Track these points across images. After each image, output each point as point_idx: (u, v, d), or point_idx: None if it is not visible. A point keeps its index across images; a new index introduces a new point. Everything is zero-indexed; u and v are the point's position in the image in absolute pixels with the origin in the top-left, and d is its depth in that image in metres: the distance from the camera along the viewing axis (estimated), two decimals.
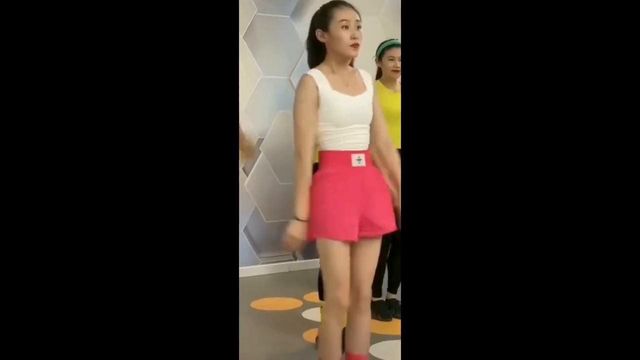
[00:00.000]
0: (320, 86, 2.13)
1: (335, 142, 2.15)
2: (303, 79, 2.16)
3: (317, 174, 2.17)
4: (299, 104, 2.14)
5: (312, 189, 2.14)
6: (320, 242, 2.14)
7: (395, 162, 2.27)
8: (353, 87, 2.19)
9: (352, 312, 2.26)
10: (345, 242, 2.13)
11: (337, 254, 2.12)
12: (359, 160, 2.16)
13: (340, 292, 2.15)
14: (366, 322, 2.27)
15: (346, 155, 2.15)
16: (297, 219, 2.11)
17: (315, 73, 2.16)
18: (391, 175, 2.28)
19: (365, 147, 2.20)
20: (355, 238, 2.13)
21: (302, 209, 2.11)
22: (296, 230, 2.11)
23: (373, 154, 2.27)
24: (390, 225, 2.21)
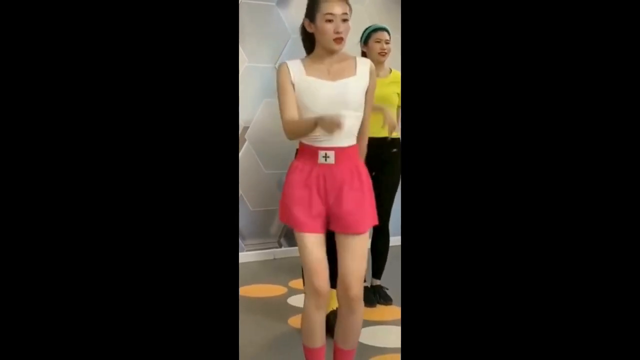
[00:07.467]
0: (292, 72, 2.16)
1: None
2: (278, 68, 2.22)
3: (291, 164, 2.23)
4: (279, 94, 2.19)
5: (285, 179, 2.22)
6: (295, 233, 2.20)
7: (362, 150, 2.29)
8: (336, 73, 2.17)
9: (342, 310, 2.25)
10: (316, 233, 2.17)
11: (308, 244, 2.16)
12: (325, 157, 2.14)
13: (316, 280, 2.17)
14: (357, 321, 2.25)
15: (314, 151, 2.16)
16: (322, 119, 2.01)
17: (292, 61, 2.20)
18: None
19: (348, 136, 2.17)
20: (320, 231, 2.18)
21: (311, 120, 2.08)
22: (330, 120, 1.98)
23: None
24: (362, 225, 2.19)
